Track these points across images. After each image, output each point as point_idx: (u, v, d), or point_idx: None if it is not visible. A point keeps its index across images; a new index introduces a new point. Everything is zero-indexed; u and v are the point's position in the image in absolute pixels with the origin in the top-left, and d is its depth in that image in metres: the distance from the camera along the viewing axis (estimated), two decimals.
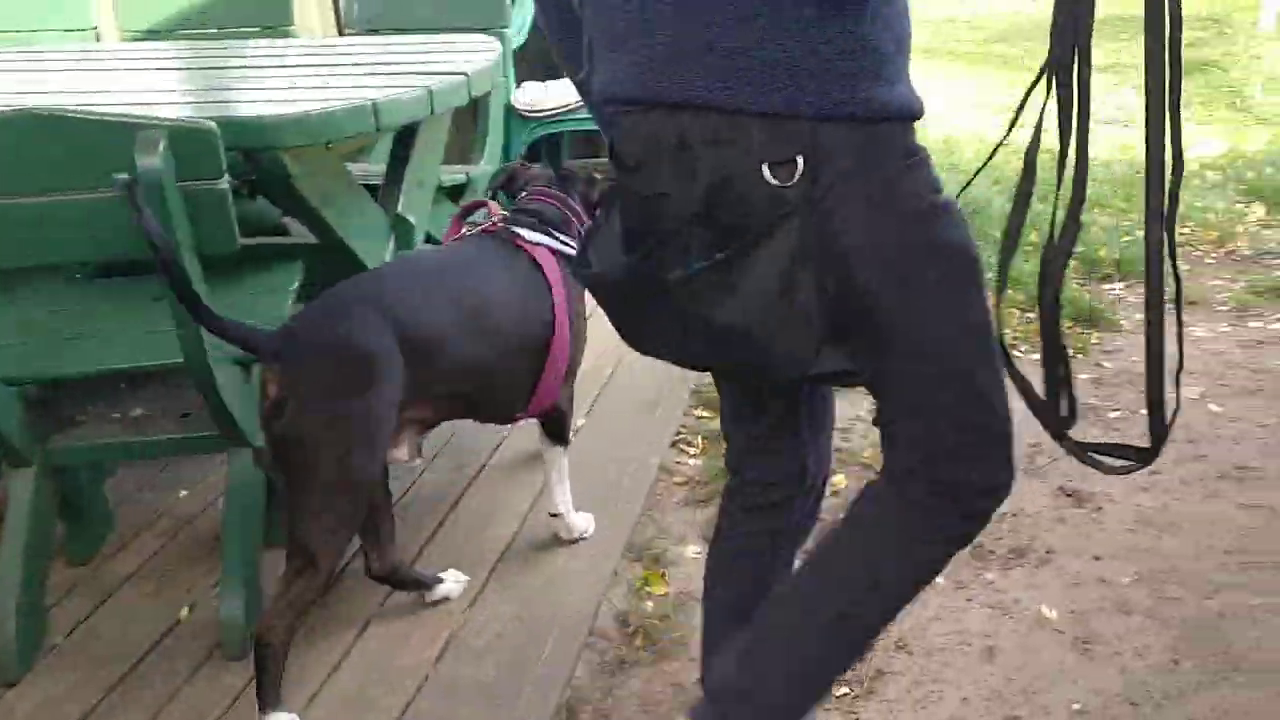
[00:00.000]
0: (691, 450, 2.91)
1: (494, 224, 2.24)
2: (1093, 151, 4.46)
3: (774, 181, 1.19)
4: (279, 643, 1.81)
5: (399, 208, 2.77)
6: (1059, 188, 1.29)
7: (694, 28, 1.21)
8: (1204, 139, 5.61)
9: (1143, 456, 1.36)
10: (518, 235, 2.20)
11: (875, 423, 1.44)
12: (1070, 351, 1.46)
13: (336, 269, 2.63)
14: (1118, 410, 3.04)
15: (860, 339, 1.29)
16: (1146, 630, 2.14)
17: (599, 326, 1.72)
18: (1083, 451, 1.39)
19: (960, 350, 1.33)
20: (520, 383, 2.19)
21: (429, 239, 2.98)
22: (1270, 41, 7.41)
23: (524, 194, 2.36)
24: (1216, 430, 2.91)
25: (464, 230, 2.27)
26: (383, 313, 1.87)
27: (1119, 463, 1.38)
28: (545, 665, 2.04)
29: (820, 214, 1.21)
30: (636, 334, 1.44)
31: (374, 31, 3.61)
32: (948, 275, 1.29)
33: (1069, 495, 2.65)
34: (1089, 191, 3.89)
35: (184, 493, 2.72)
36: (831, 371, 1.31)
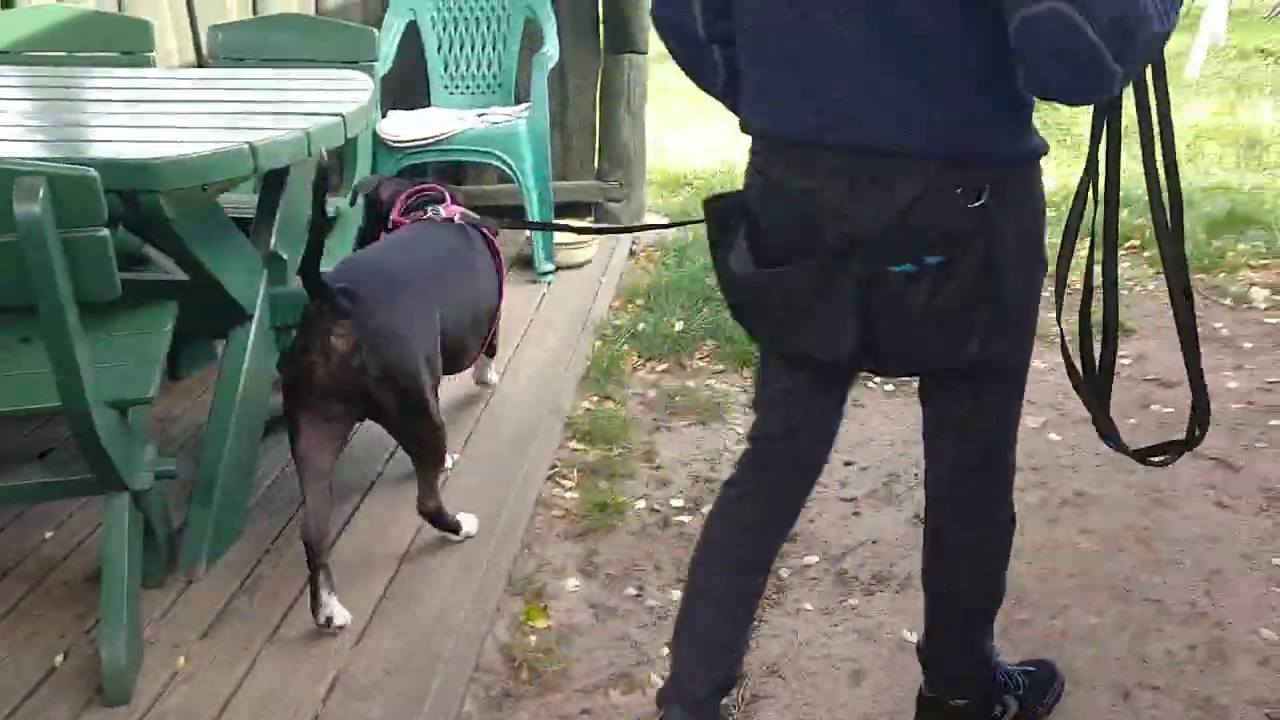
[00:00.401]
0: (567, 483, 2.98)
1: (453, 213, 2.84)
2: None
3: (969, 207, 1.52)
4: (437, 509, 2.49)
5: (272, 244, 2.76)
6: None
7: (884, 83, 1.50)
8: None
9: (1186, 445, 1.82)
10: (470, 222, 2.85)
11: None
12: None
13: (206, 305, 2.62)
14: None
15: (992, 329, 1.61)
16: (999, 651, 2.29)
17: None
18: (1141, 456, 1.86)
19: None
20: (484, 331, 2.90)
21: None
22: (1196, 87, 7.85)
23: (415, 193, 2.95)
24: (1057, 458, 3.12)
25: (428, 214, 2.83)
26: (421, 291, 2.46)
27: (1163, 457, 1.86)
28: (433, 702, 2.08)
29: (994, 231, 1.53)
30: (787, 328, 1.71)
31: (238, 62, 3.57)
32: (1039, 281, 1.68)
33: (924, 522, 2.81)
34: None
35: (49, 534, 2.65)
36: (965, 362, 1.65)
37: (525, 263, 4.35)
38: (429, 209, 2.85)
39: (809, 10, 1.52)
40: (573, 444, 3.19)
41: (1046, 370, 3.68)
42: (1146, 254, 4.58)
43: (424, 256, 2.62)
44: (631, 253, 4.74)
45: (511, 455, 3.01)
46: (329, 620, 2.24)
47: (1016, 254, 1.58)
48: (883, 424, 3.34)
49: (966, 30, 1.44)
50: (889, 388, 3.55)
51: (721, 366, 3.72)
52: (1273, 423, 3.27)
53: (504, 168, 4.13)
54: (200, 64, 4.24)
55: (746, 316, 1.82)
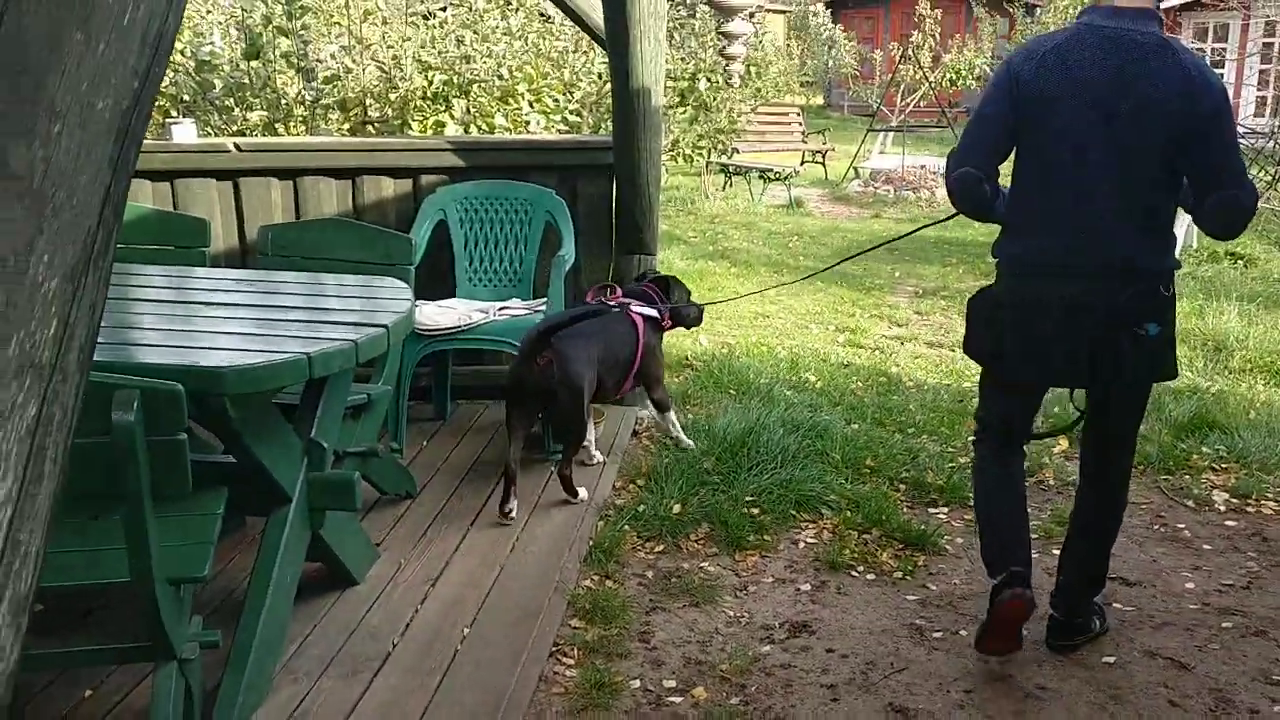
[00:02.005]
0: (568, 660, 3.22)
1: (616, 299, 4.54)
2: (921, 376, 5.27)
3: (1166, 294, 3.00)
4: (569, 475, 4.15)
5: (313, 433, 3.08)
6: None
7: (1111, 230, 2.97)
8: None
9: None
10: (628, 306, 4.52)
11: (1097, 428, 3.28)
12: None
13: (251, 487, 2.92)
14: (939, 632, 3.47)
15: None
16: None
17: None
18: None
19: None
20: (623, 375, 4.44)
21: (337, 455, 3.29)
22: None
23: (636, 283, 4.80)
24: (1023, 653, 3.35)
25: (599, 298, 4.55)
26: (588, 340, 4.18)
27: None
28: None
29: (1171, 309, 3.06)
30: (1039, 364, 3.12)
31: (285, 259, 3.95)
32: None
33: (898, 711, 3.04)
34: (922, 418, 4.56)
35: (88, 692, 2.89)
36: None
37: (535, 443, 4.66)
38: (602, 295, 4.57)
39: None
40: (574, 622, 3.44)
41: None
42: None
43: (591, 321, 4.24)
44: (634, 433, 5.05)
45: (518, 632, 3.26)
46: (509, 513, 4.00)
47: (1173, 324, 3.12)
48: (863, 613, 3.59)
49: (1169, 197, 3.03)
50: (870, 576, 3.81)
51: (715, 549, 3.98)
52: (1225, 625, 3.51)
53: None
54: (245, 259, 4.64)
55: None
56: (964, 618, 3.57)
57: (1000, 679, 3.21)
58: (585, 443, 4.48)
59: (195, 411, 2.70)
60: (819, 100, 28.92)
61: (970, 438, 3.67)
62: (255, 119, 6.74)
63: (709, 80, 10.30)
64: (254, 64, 6.89)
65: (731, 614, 3.58)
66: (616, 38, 4.44)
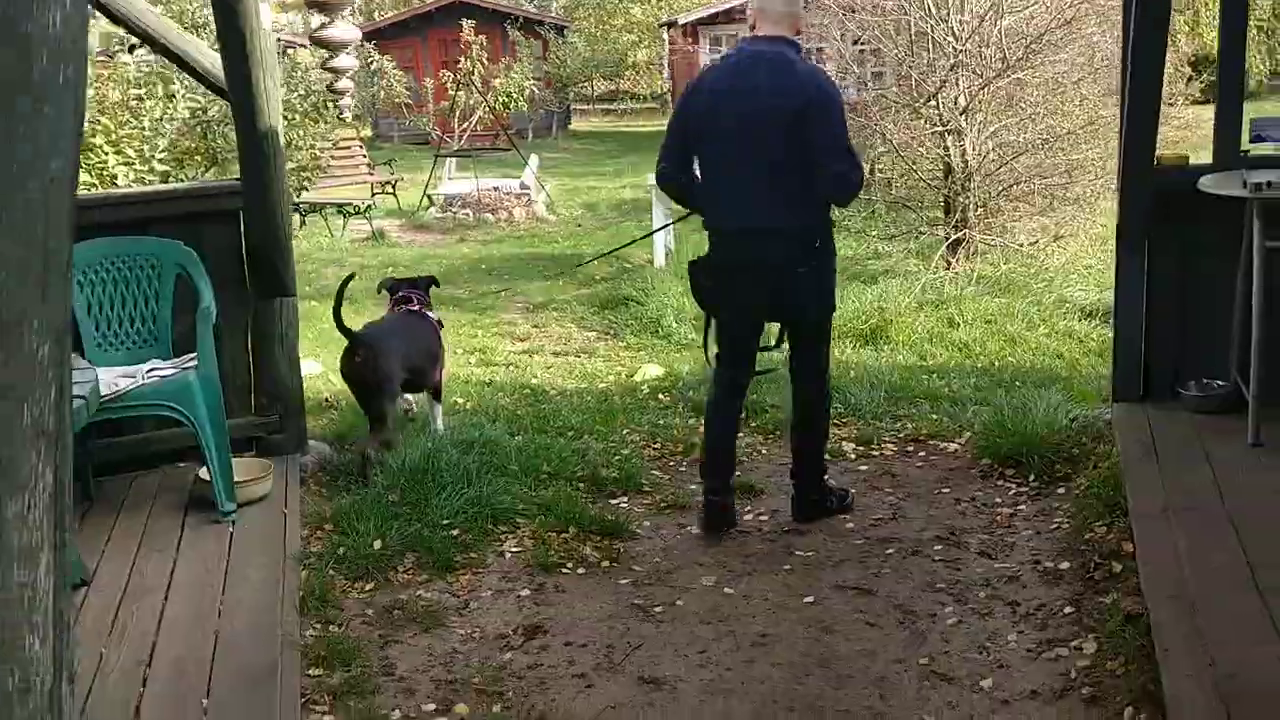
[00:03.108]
0: (322, 708, 3.16)
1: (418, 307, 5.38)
2: (560, 383, 5.62)
3: (815, 246, 4.04)
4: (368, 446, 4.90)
5: None
6: None
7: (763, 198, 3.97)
8: (649, 364, 6.76)
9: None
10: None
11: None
12: None
13: None
14: (659, 606, 3.73)
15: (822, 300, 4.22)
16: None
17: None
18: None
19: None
20: (429, 366, 5.21)
21: None
22: (665, 277, 9.01)
23: (401, 292, 5.46)
24: (736, 608, 3.68)
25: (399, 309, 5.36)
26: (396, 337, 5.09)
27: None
28: None
29: (824, 255, 4.12)
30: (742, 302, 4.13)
31: None
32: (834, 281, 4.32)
33: (649, 682, 3.25)
34: (577, 420, 4.85)
35: None
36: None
37: (206, 504, 4.43)
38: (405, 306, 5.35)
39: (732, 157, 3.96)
40: (313, 671, 3.36)
41: (702, 535, 4.29)
42: (753, 423, 5.41)
43: (399, 326, 5.23)
44: (301, 480, 4.93)
45: (261, 693, 3.14)
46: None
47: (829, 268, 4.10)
48: (586, 604, 3.77)
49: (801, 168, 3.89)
50: (581, 571, 4.01)
51: (426, 576, 4.00)
52: (888, 551, 4.05)
53: (178, 417, 4.24)
54: None
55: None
56: (675, 590, 3.85)
57: (726, 635, 3.51)
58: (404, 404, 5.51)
59: None
60: (368, 132, 28.79)
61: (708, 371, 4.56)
62: None
63: (297, 117, 10.07)
64: None
65: (463, 632, 3.64)
66: (239, 79, 4.33)
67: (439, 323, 5.50)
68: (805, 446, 4.35)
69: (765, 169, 3.91)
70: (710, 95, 4.01)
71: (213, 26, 6.49)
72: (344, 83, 5.23)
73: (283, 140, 4.71)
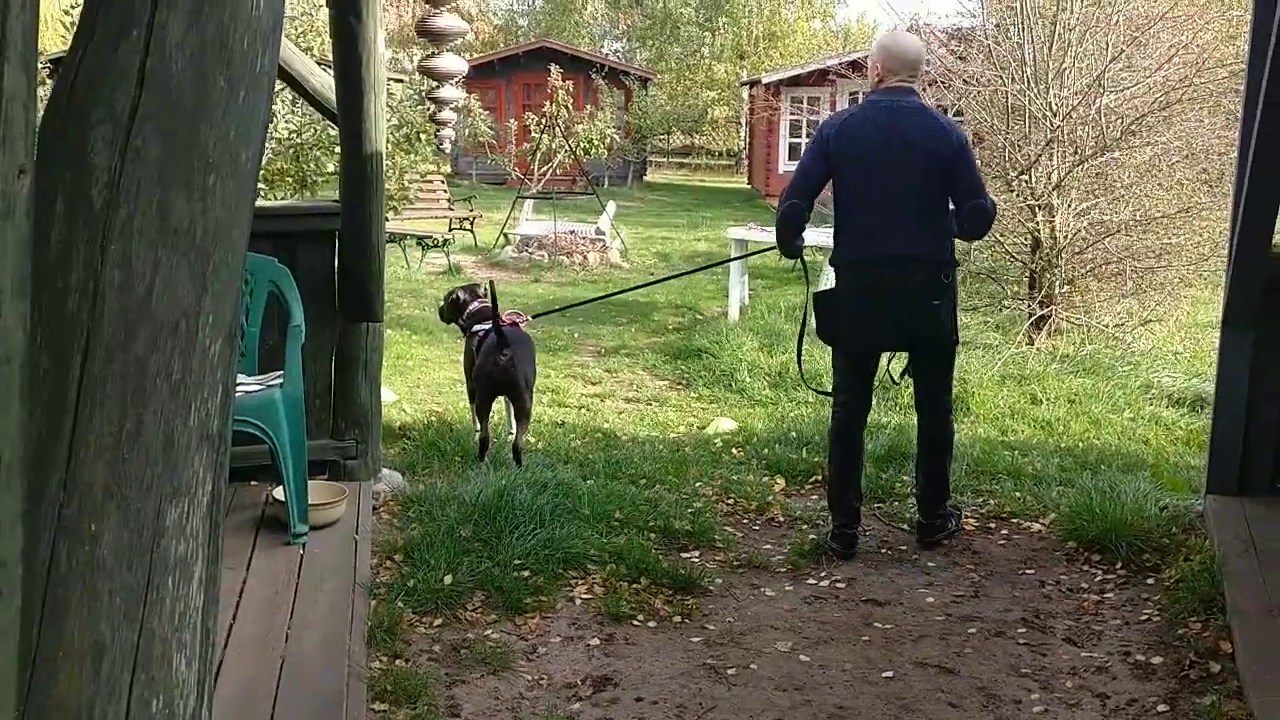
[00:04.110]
0: None
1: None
2: (632, 430, 5.52)
3: (945, 281, 4.43)
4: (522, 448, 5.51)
5: None
6: None
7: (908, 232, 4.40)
8: (721, 417, 6.68)
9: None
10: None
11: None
12: None
13: None
14: (732, 668, 3.62)
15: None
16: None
17: None
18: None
19: None
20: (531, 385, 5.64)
21: None
22: (740, 331, 8.94)
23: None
24: (812, 677, 3.57)
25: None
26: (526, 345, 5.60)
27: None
28: None
29: (952, 289, 4.50)
30: (878, 329, 4.49)
31: None
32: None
33: None
34: (649, 469, 4.74)
35: None
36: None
37: (278, 525, 4.41)
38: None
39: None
40: (378, 705, 3.29)
41: (776, 597, 4.19)
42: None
43: (521, 336, 5.63)
44: (374, 508, 4.89)
45: None
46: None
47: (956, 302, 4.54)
48: (657, 660, 3.67)
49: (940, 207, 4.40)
50: (652, 624, 3.91)
51: (494, 616, 3.93)
52: (970, 630, 3.91)
53: (259, 434, 4.23)
54: None
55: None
56: (749, 652, 3.74)
57: (803, 704, 3.40)
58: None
59: None
60: (447, 168, 29.16)
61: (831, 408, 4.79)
62: None
63: (389, 146, 10.18)
64: None
65: (530, 677, 3.56)
66: (351, 102, 4.35)
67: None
68: (932, 469, 4.66)
69: (913, 206, 4.37)
70: (861, 139, 4.41)
71: (314, 52, 6.60)
72: (447, 113, 5.24)
73: (384, 165, 4.72)
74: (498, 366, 5.32)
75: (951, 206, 4.43)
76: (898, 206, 4.36)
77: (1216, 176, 8.41)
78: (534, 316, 6.26)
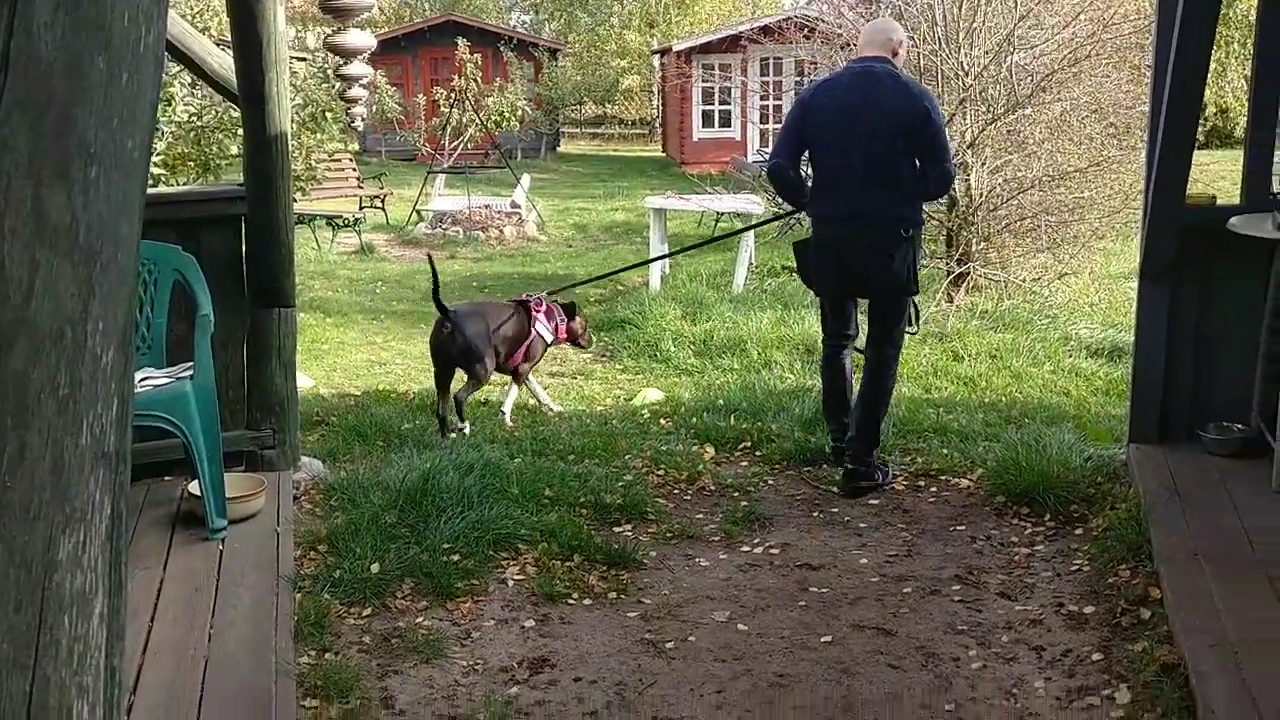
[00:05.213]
0: None
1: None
2: (562, 405, 5.46)
3: (905, 235, 4.72)
4: (464, 400, 5.82)
5: None
6: None
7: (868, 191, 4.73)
8: (648, 388, 6.63)
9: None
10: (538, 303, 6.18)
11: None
12: None
13: None
14: (670, 641, 3.58)
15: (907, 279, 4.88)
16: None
17: None
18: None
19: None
20: (510, 348, 5.93)
21: None
22: (662, 301, 8.89)
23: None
24: (751, 646, 3.54)
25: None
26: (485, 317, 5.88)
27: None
28: None
29: (912, 244, 4.84)
30: (839, 278, 4.96)
31: None
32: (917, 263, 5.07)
33: None
34: (578, 444, 4.67)
35: None
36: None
37: (195, 520, 4.26)
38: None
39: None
40: (309, 702, 3.19)
41: (711, 567, 4.16)
42: (759, 453, 5.28)
43: (491, 308, 6.10)
44: (294, 498, 4.76)
45: None
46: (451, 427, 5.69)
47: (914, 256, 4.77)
48: (593, 638, 3.62)
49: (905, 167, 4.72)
50: (588, 601, 3.85)
51: (425, 603, 3.84)
52: (906, 590, 3.91)
53: (171, 429, 4.08)
54: None
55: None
56: (687, 624, 3.71)
57: (743, 674, 3.37)
58: (543, 401, 6.25)
59: None
60: (354, 146, 28.62)
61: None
62: None
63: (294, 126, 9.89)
64: None
65: (465, 663, 3.48)
66: (253, 83, 4.19)
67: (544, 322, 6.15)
68: (863, 417, 4.86)
69: (872, 166, 4.66)
70: (831, 102, 4.78)
71: (212, 32, 6.38)
72: (356, 90, 5.09)
73: (290, 146, 4.56)
74: (439, 338, 5.72)
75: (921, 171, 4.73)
76: (858, 166, 4.67)
77: (1124, 130, 8.54)
78: (549, 293, 6.46)
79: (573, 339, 6.43)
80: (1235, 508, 4.02)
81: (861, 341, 5.20)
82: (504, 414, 5.96)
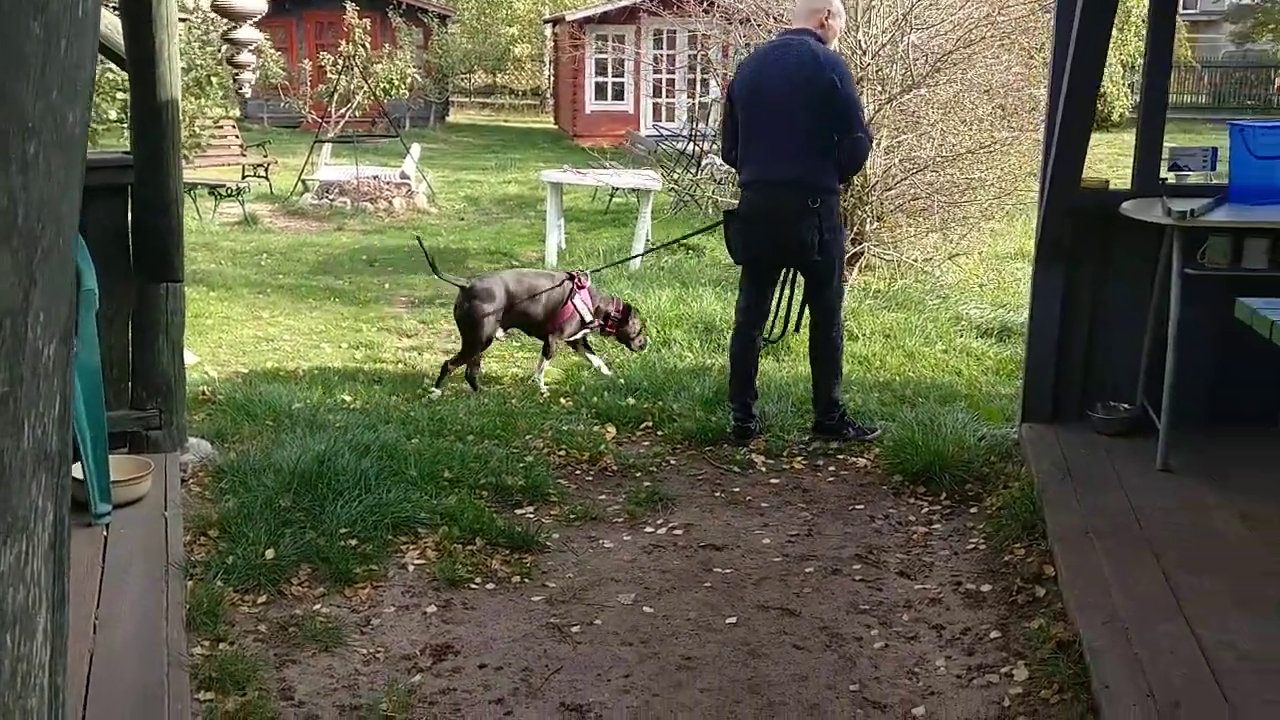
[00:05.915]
0: None
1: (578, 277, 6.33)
2: (456, 382, 5.37)
3: (813, 205, 4.92)
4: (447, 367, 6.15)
5: None
6: None
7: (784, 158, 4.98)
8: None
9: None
10: (584, 279, 6.33)
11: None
12: None
13: None
14: (576, 626, 3.54)
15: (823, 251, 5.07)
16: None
17: None
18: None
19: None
20: (544, 315, 6.20)
21: None
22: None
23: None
24: (657, 628, 3.53)
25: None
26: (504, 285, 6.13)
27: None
28: None
29: (827, 212, 5.02)
30: (747, 244, 5.17)
31: None
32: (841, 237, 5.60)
33: (572, 709, 3.08)
34: (477, 424, 4.59)
35: None
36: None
37: (77, 505, 4.07)
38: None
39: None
40: (204, 695, 3.08)
41: (615, 548, 4.13)
42: (661, 433, 5.27)
43: (528, 276, 6.41)
44: (182, 481, 4.59)
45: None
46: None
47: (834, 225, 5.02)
48: (497, 623, 3.56)
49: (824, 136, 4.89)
50: (490, 586, 3.79)
51: (323, 589, 3.74)
52: (808, 570, 3.94)
53: None
54: None
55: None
56: (592, 608, 3.67)
57: (649, 657, 3.35)
58: (593, 360, 6.41)
59: None
60: (236, 112, 27.75)
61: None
62: None
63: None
64: None
65: (365, 651, 3.40)
66: (142, 45, 3.98)
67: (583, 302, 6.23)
68: (816, 382, 5.23)
69: (786, 135, 4.90)
70: (750, 75, 5.07)
71: None
72: (246, 55, 4.90)
73: (180, 114, 4.37)
74: (457, 311, 6.12)
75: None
76: (773, 136, 4.93)
77: (1013, 112, 8.71)
78: (592, 271, 6.66)
79: (624, 339, 6.46)
80: (1123, 486, 4.14)
81: (768, 331, 5.43)
82: (538, 379, 6.18)
